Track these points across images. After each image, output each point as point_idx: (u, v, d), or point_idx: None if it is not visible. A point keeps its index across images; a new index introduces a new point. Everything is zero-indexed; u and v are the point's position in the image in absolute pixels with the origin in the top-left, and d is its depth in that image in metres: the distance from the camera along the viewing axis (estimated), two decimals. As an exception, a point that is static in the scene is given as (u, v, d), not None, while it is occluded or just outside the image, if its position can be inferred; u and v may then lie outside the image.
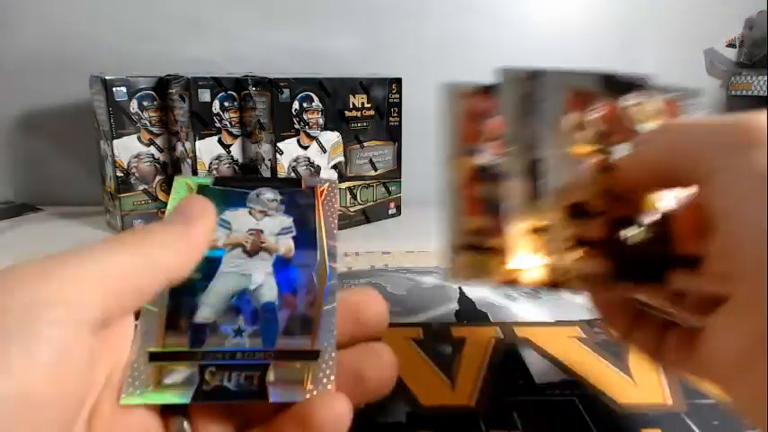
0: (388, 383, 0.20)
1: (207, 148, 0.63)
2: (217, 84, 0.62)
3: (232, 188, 0.24)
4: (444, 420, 0.31)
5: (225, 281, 0.21)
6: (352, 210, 0.71)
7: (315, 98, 0.63)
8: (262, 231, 0.23)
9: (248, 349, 0.20)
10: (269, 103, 0.60)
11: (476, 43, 0.82)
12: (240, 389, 0.19)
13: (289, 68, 0.76)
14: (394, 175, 0.74)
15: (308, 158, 0.64)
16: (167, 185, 0.68)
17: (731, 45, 0.85)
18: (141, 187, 0.66)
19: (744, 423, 0.31)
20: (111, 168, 0.65)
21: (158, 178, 0.67)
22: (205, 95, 0.62)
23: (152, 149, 0.66)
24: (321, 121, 0.64)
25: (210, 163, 0.63)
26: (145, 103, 0.64)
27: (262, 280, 0.21)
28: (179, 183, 0.24)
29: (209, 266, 0.21)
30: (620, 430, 0.30)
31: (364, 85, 0.67)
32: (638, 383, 0.35)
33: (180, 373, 0.19)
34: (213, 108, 0.63)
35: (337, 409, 0.18)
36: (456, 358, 0.37)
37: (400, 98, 0.71)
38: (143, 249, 0.18)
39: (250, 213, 0.23)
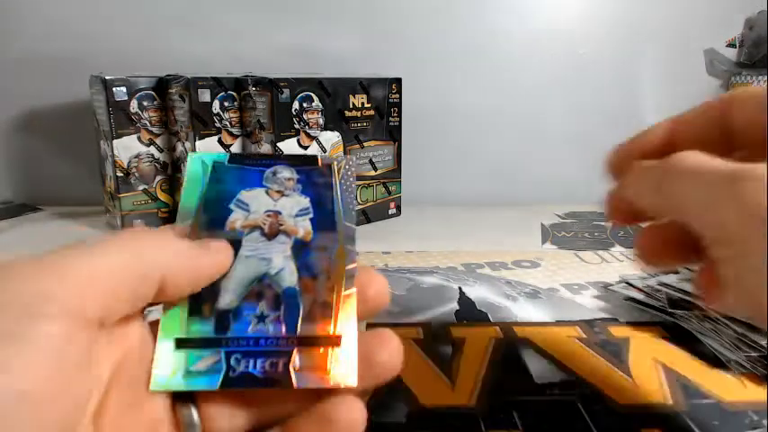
0: (396, 367, 0.21)
1: (207, 148, 0.63)
2: (217, 84, 0.62)
3: (248, 166, 0.23)
4: (444, 420, 0.31)
5: (245, 265, 0.21)
6: (352, 210, 0.71)
7: (315, 98, 0.63)
8: (279, 213, 0.22)
9: (272, 335, 0.20)
10: (269, 103, 0.60)
11: (476, 43, 0.82)
12: (266, 375, 0.19)
13: (289, 68, 0.76)
14: (394, 175, 0.74)
15: (308, 158, 0.64)
16: (167, 185, 0.68)
17: (731, 45, 0.85)
18: (141, 187, 0.66)
19: (744, 423, 0.31)
20: (111, 168, 0.65)
21: (158, 178, 0.67)
22: (205, 95, 0.62)
23: (152, 149, 0.66)
24: (321, 121, 0.64)
25: (210, 163, 0.64)
26: (145, 103, 0.64)
27: (282, 264, 0.21)
28: (193, 160, 0.23)
29: None
30: (620, 430, 0.30)
31: (364, 85, 0.67)
32: (638, 383, 0.35)
33: (206, 359, 0.19)
34: (213, 108, 0.63)
35: (354, 414, 0.19)
36: (456, 358, 0.37)
37: (400, 98, 0.71)
38: (140, 249, 0.18)
39: (267, 193, 0.22)
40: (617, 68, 0.85)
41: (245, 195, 0.22)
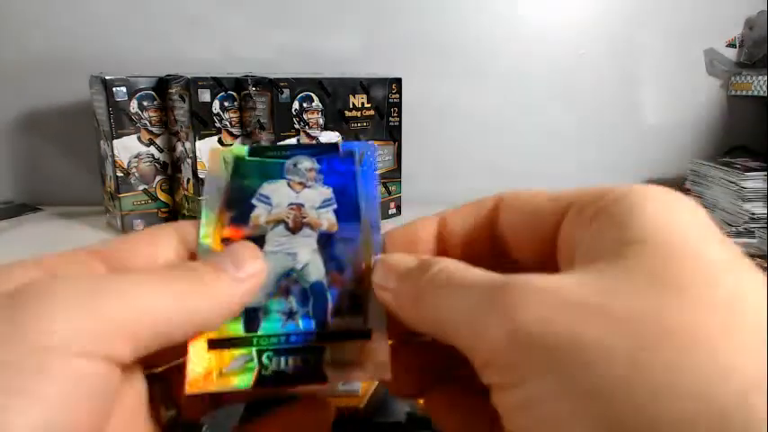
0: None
1: (207, 148, 0.63)
2: (217, 84, 0.62)
3: (269, 158, 0.22)
4: (444, 420, 0.31)
5: (271, 261, 0.20)
6: (352, 210, 0.71)
7: (315, 98, 0.63)
8: (302, 205, 0.21)
9: (302, 332, 0.19)
10: (269, 103, 0.60)
11: (476, 43, 0.82)
12: (298, 372, 0.19)
13: (289, 68, 0.76)
14: (394, 175, 0.74)
15: (308, 158, 0.64)
16: (167, 185, 0.68)
17: (731, 45, 0.85)
18: (141, 187, 0.66)
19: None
20: (111, 168, 0.65)
21: (158, 178, 0.67)
22: (205, 95, 0.62)
23: (152, 149, 0.66)
24: (321, 121, 0.64)
25: (210, 163, 0.64)
26: (145, 103, 0.64)
27: (307, 259, 0.21)
28: (215, 156, 0.22)
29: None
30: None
31: (364, 85, 0.67)
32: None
33: (239, 359, 0.19)
34: (213, 108, 0.63)
35: (320, 416, 0.19)
36: (456, 358, 0.37)
37: (400, 98, 0.71)
38: (185, 298, 0.17)
39: (289, 186, 0.22)
40: (617, 68, 0.85)
41: (266, 189, 0.22)
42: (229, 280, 0.18)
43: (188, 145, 0.63)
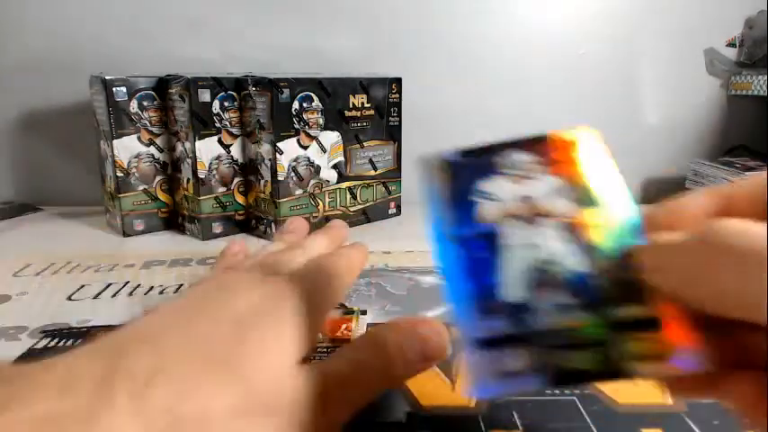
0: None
1: (207, 148, 0.63)
2: (217, 84, 0.62)
3: (480, 157, 0.22)
4: (444, 420, 0.31)
5: (515, 255, 0.19)
6: (352, 210, 0.71)
7: (315, 98, 0.63)
8: (531, 197, 0.21)
9: (581, 325, 0.18)
10: (269, 103, 0.60)
11: (476, 43, 0.82)
12: (597, 369, 0.17)
13: (289, 68, 0.76)
14: (394, 174, 0.74)
15: (308, 158, 0.64)
16: (167, 185, 0.68)
17: (731, 45, 0.85)
18: (141, 187, 0.66)
19: (743, 423, 0.30)
20: (111, 168, 0.65)
21: (158, 178, 0.67)
22: (205, 95, 0.62)
23: (152, 149, 0.66)
24: (321, 120, 0.64)
25: (210, 163, 0.63)
26: (145, 103, 0.64)
27: (558, 249, 0.19)
28: (428, 165, 0.22)
29: (488, 243, 0.20)
30: (620, 430, 0.30)
31: (364, 85, 0.67)
32: (637, 383, 0.35)
33: (519, 358, 0.17)
34: (213, 108, 0.63)
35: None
36: (456, 358, 0.37)
37: (400, 98, 0.71)
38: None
39: (510, 180, 0.21)
40: (617, 69, 0.85)
41: (484, 186, 0.21)
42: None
43: (188, 145, 0.63)
